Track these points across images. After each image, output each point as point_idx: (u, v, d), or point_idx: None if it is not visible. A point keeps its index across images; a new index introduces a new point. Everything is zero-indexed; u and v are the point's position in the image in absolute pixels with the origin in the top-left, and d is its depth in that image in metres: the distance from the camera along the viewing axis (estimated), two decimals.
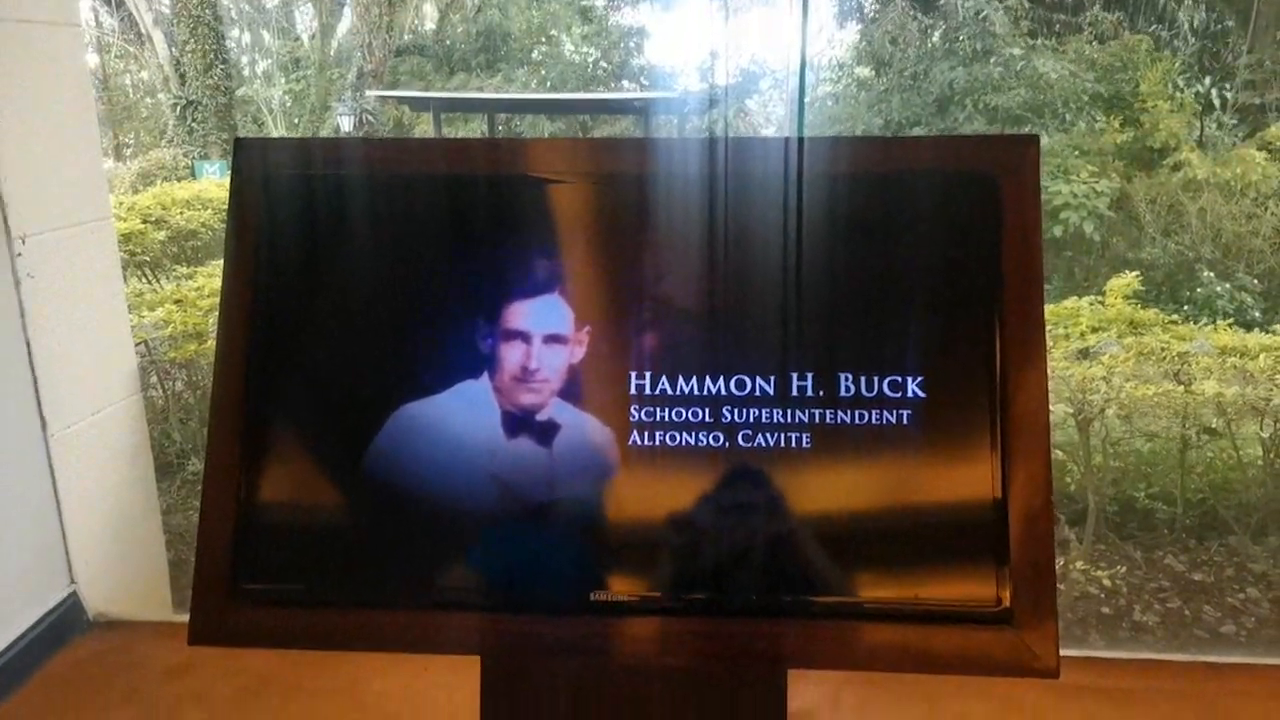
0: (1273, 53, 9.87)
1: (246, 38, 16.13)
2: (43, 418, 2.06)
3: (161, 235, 5.06)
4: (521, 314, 1.12)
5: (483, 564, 1.10)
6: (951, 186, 1.12)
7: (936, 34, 10.77)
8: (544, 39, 15.91)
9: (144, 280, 4.84)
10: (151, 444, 2.35)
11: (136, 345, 2.54)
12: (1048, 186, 8.09)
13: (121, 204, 5.41)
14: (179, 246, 5.29)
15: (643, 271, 1.12)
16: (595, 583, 1.08)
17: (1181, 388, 2.65)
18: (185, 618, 1.10)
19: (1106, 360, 2.74)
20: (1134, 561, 2.76)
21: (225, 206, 1.19)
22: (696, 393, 1.10)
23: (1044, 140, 8.50)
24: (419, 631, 1.08)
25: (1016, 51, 9.88)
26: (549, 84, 15.11)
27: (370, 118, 13.61)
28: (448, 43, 15.94)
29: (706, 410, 1.10)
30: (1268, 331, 3.07)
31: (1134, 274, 3.72)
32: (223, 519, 1.11)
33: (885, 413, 1.09)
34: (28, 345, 2.01)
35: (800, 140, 1.15)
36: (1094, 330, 3.04)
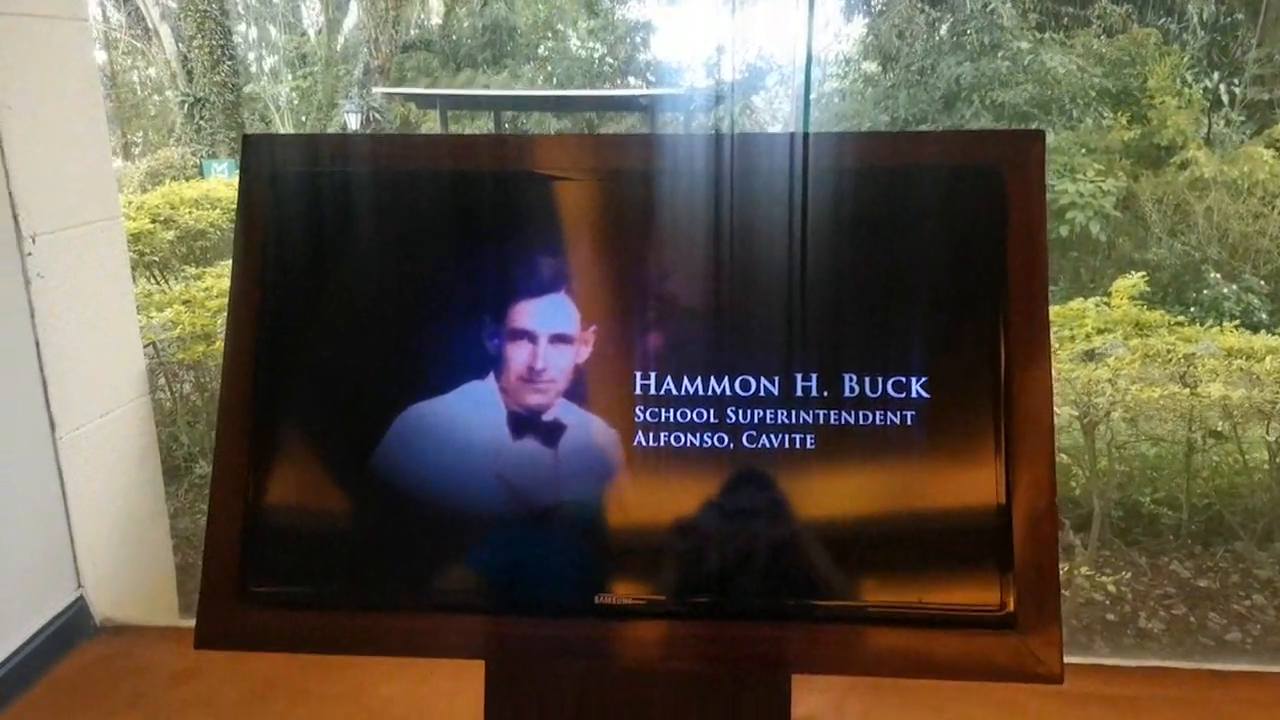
0: None
1: (253, 33, 16.13)
2: (51, 419, 2.05)
3: (170, 235, 5.07)
4: (528, 313, 1.12)
5: (488, 566, 1.10)
6: (957, 182, 1.12)
7: (944, 27, 10.72)
8: (550, 34, 15.88)
9: (152, 281, 4.84)
10: (159, 447, 2.35)
11: (145, 347, 2.54)
12: (1054, 185, 8.06)
13: (130, 203, 5.42)
14: (188, 246, 5.30)
15: (648, 270, 1.12)
16: (599, 586, 1.09)
17: (1187, 390, 2.64)
18: (191, 623, 1.11)
19: (1112, 362, 2.73)
20: (1139, 567, 2.75)
21: (233, 206, 1.20)
22: (701, 393, 1.10)
23: (1050, 138, 8.50)
24: (425, 635, 1.09)
25: (1024, 45, 9.84)
26: (555, 80, 15.10)
27: (377, 115, 13.61)
28: (454, 38, 15.93)
29: (711, 411, 1.10)
30: (1275, 333, 3.06)
31: (1140, 275, 3.71)
32: (231, 521, 1.11)
33: (889, 413, 1.09)
34: (37, 345, 2.01)
35: (805, 136, 1.15)
36: (1100, 332, 3.03)
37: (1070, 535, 2.77)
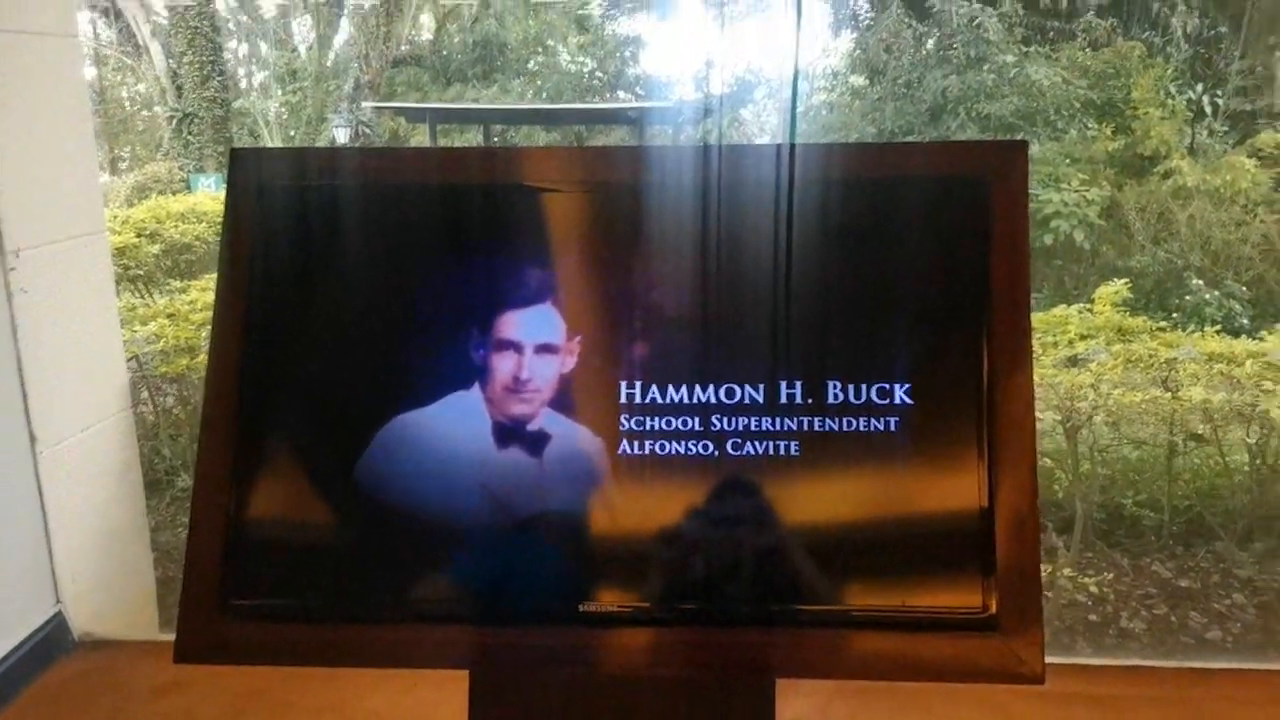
0: (1264, 59, 9.92)
1: (244, 49, 16.14)
2: (32, 433, 2.04)
3: (155, 249, 5.06)
4: (513, 324, 1.12)
5: (472, 576, 1.11)
6: (941, 192, 1.13)
7: (930, 41, 10.81)
8: (540, 49, 15.94)
9: (137, 295, 4.83)
10: (141, 460, 2.34)
11: (128, 360, 2.53)
12: (1039, 195, 8.12)
13: (116, 217, 5.40)
14: (173, 260, 5.29)
15: (634, 280, 1.13)
16: (584, 594, 1.09)
17: (1169, 394, 2.66)
18: (172, 637, 1.10)
19: (1095, 367, 2.75)
20: (1121, 569, 2.77)
21: (220, 220, 1.20)
22: (686, 401, 1.11)
23: (1035, 148, 8.57)
24: (409, 646, 1.09)
25: (1010, 59, 9.92)
26: (545, 94, 15.14)
27: (366, 129, 13.62)
28: (444, 53, 15.96)
29: (696, 419, 1.10)
30: (1255, 338, 3.09)
31: (1123, 282, 3.75)
32: (212, 532, 1.11)
33: (873, 420, 1.10)
34: (19, 360, 2.00)
35: (792, 147, 1.16)
36: (1083, 338, 3.05)
37: (1053, 537, 2.79)
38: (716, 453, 1.10)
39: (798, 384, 1.10)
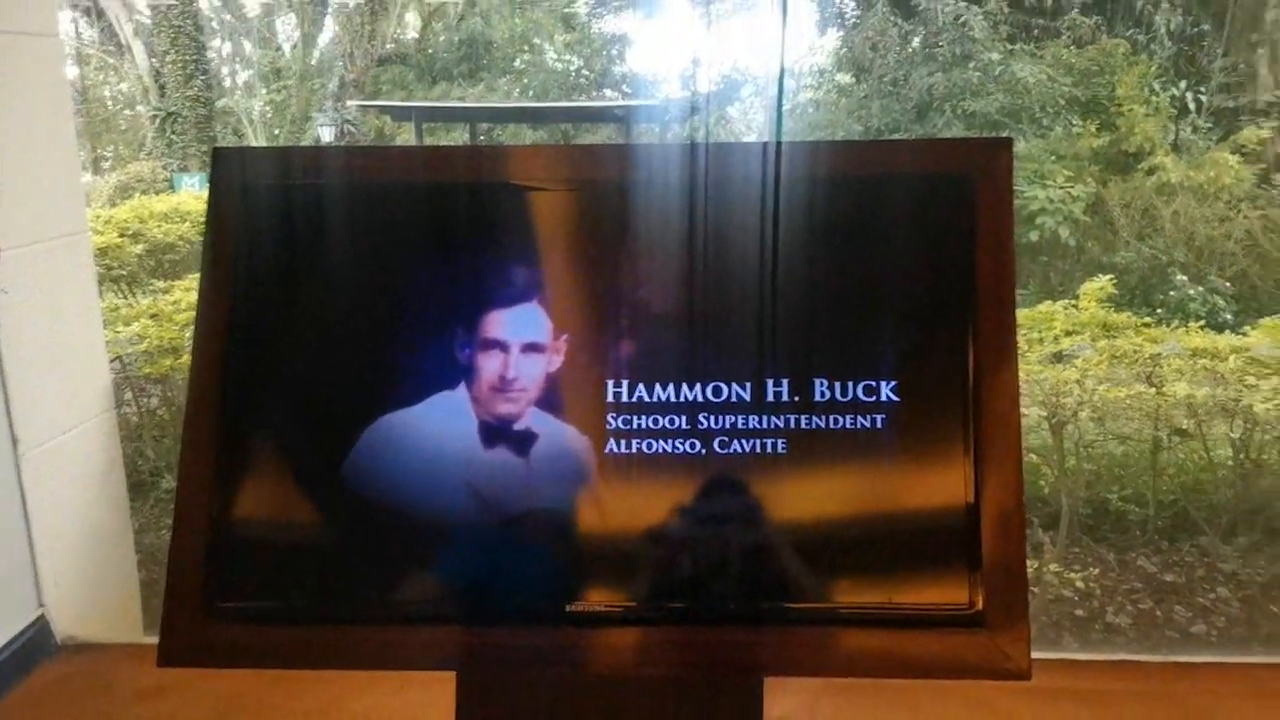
0: (1247, 56, 9.99)
1: (227, 48, 16.05)
2: (14, 435, 2.03)
3: (138, 249, 5.03)
4: (499, 323, 1.12)
5: (459, 577, 1.10)
6: (927, 189, 1.14)
7: (916, 39, 10.84)
8: (527, 47, 15.90)
9: (120, 295, 4.79)
10: (125, 462, 2.32)
11: (111, 361, 2.51)
12: (1024, 191, 8.15)
13: (98, 217, 5.37)
14: (156, 260, 5.25)
15: (621, 279, 1.13)
16: (572, 593, 1.09)
17: (1153, 390, 2.68)
18: (156, 640, 1.09)
19: (1080, 363, 2.77)
20: (1107, 563, 2.79)
21: (203, 220, 1.19)
22: (674, 400, 1.10)
23: (1021, 145, 8.60)
24: (395, 647, 1.08)
25: (995, 56, 9.96)
26: (531, 92, 15.10)
27: (351, 128, 13.56)
28: (430, 52, 15.90)
29: (683, 417, 1.10)
30: (1239, 333, 3.11)
31: (1108, 278, 3.76)
32: (195, 534, 1.10)
33: (860, 417, 1.10)
34: (0, 362, 1.99)
35: (778, 145, 1.16)
36: (1068, 334, 3.06)
37: (1039, 533, 2.80)
38: (704, 451, 1.10)
39: (784, 382, 1.10)
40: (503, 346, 1.11)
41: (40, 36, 2.07)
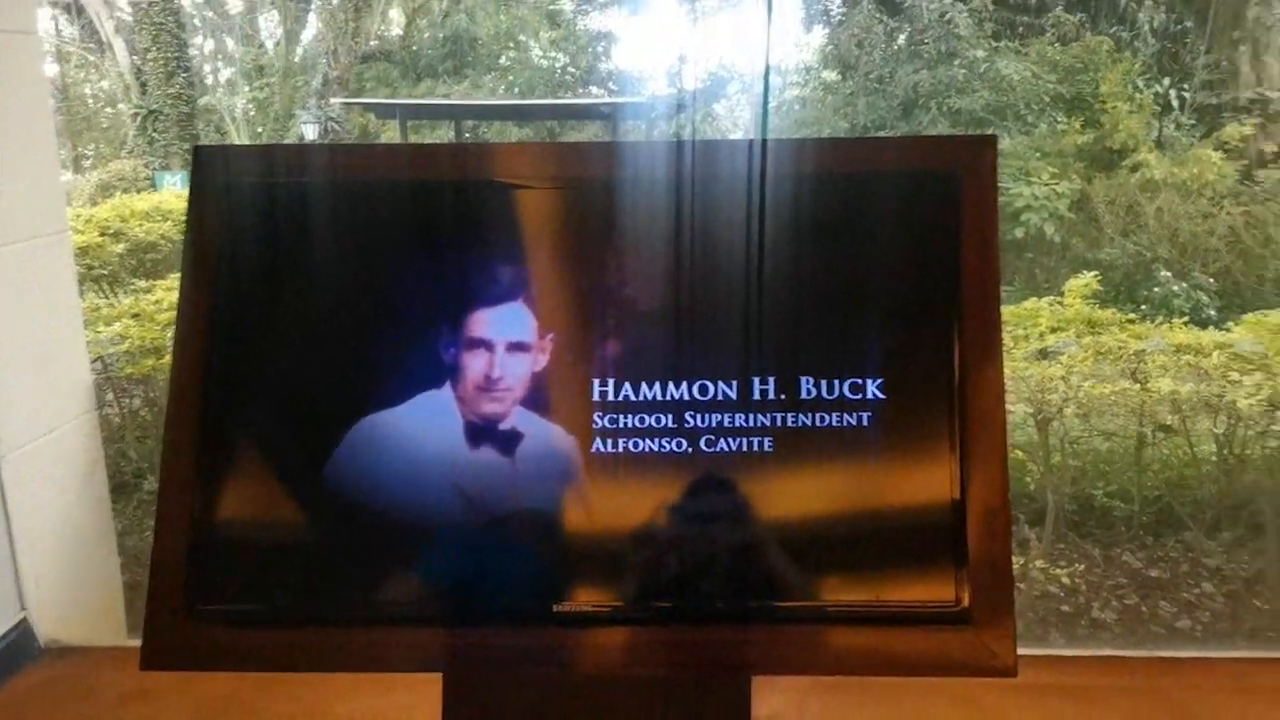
0: (1229, 53, 10.06)
1: (210, 45, 15.96)
2: None
3: (120, 248, 4.99)
4: (484, 322, 1.11)
5: (444, 577, 1.10)
6: (912, 186, 1.14)
7: (902, 37, 10.88)
8: (512, 44, 15.87)
9: (101, 295, 4.76)
10: (107, 463, 2.30)
11: (92, 361, 2.49)
12: (1009, 189, 8.20)
13: (79, 216, 5.33)
14: (137, 259, 5.21)
15: (606, 277, 1.13)
16: (558, 593, 1.08)
17: (1138, 386, 2.69)
18: (140, 642, 1.08)
19: (1065, 360, 2.78)
20: (1092, 559, 2.80)
21: (185, 218, 1.18)
22: (660, 398, 1.10)
23: (1006, 143, 8.63)
24: (380, 649, 1.08)
25: (980, 53, 10.01)
26: (517, 90, 15.08)
27: (335, 125, 13.50)
28: (414, 49, 15.85)
29: (669, 416, 1.10)
30: (1222, 329, 3.13)
31: (1093, 274, 3.78)
32: (177, 536, 1.09)
33: (846, 415, 1.10)
34: None
35: (764, 142, 1.16)
36: (1053, 330, 3.08)
37: (1025, 529, 2.81)
38: (690, 450, 1.09)
39: (770, 380, 1.10)
40: (488, 346, 1.11)
41: (18, 34, 2.05)
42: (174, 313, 1.15)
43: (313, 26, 15.21)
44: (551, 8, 15.92)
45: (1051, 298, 3.47)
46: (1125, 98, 9.11)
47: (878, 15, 10.91)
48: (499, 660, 1.08)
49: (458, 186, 1.16)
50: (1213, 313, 7.09)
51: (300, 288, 1.15)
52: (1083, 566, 2.76)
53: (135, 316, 3.10)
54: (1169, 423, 2.78)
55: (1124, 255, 7.92)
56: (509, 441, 1.10)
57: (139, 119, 12.81)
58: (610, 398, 1.10)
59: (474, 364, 1.11)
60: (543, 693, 1.15)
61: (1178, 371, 2.65)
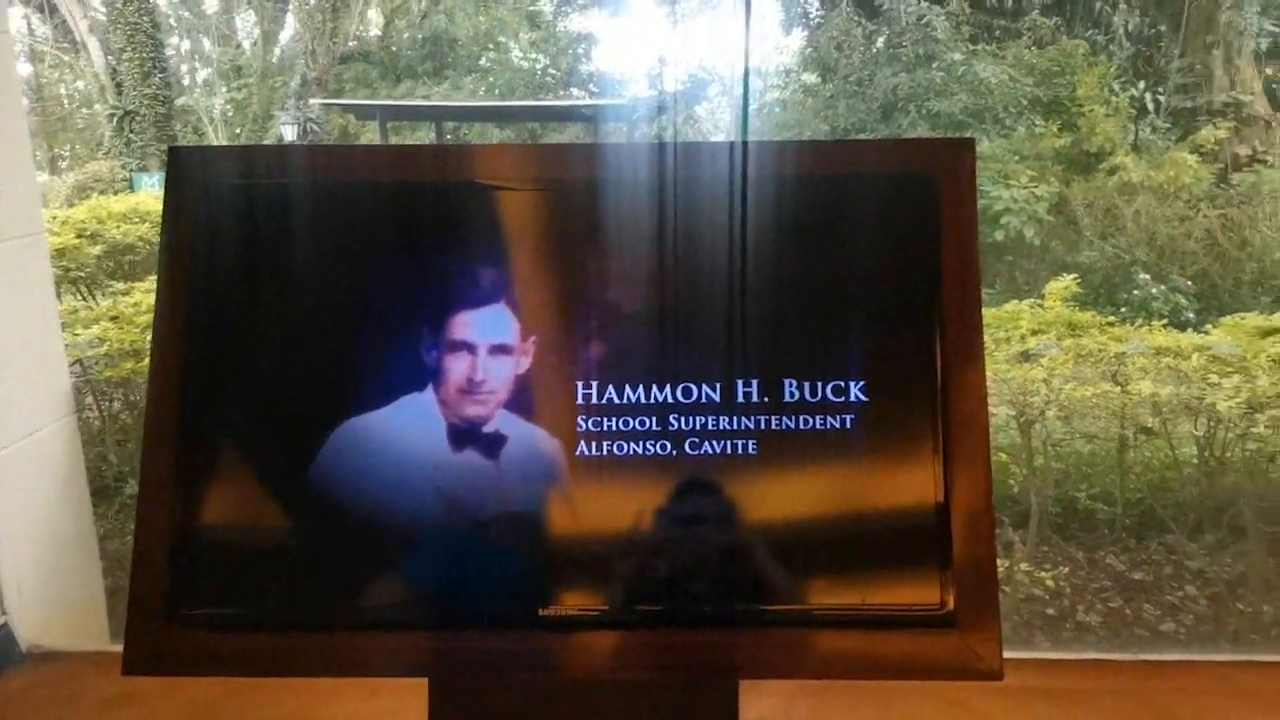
0: (1203, 57, 10.17)
1: (186, 45, 15.83)
2: None
3: (97, 250, 4.93)
4: (467, 325, 1.11)
5: (429, 582, 1.09)
6: (893, 189, 1.14)
7: (880, 40, 10.93)
8: (492, 45, 15.83)
9: (78, 297, 4.70)
10: (87, 467, 2.28)
11: (71, 364, 2.47)
12: (989, 191, 8.24)
13: (55, 218, 5.26)
14: (115, 261, 5.15)
15: (589, 279, 1.13)
16: (544, 597, 1.08)
17: (1119, 388, 2.71)
18: (122, 647, 1.07)
19: (1046, 362, 2.79)
20: (1076, 562, 2.82)
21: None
22: (644, 401, 1.10)
23: (985, 145, 8.68)
24: (365, 654, 1.07)
25: (958, 57, 10.06)
26: (497, 91, 15.04)
27: (315, 126, 13.42)
28: (393, 49, 15.78)
29: (654, 419, 1.10)
30: (1201, 332, 3.16)
31: (1072, 277, 3.81)
32: (159, 540, 1.08)
33: (829, 418, 1.10)
34: None
35: (745, 144, 1.16)
36: (1034, 333, 3.10)
37: (1010, 532, 2.82)
38: (675, 453, 1.09)
39: (754, 382, 1.10)
40: (470, 348, 1.10)
41: None
42: (152, 315, 1.14)
43: (290, 27, 15.11)
44: (531, 9, 15.91)
45: (1032, 300, 3.49)
46: (1101, 101, 9.19)
47: (856, 18, 10.95)
48: (485, 664, 1.07)
49: (439, 188, 1.16)
50: (1191, 315, 7.15)
51: (279, 290, 1.14)
52: (1067, 569, 2.77)
53: (114, 319, 3.07)
54: (1150, 425, 2.80)
55: (1103, 258, 7.98)
56: (493, 444, 1.09)
57: (115, 120, 12.69)
58: (594, 400, 1.10)
59: (456, 366, 1.10)
60: (529, 697, 1.14)
61: (1158, 374, 2.67)
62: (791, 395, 1.10)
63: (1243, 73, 10.07)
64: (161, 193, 1.17)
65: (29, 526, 2.12)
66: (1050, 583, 2.70)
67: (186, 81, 15.35)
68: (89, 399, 2.98)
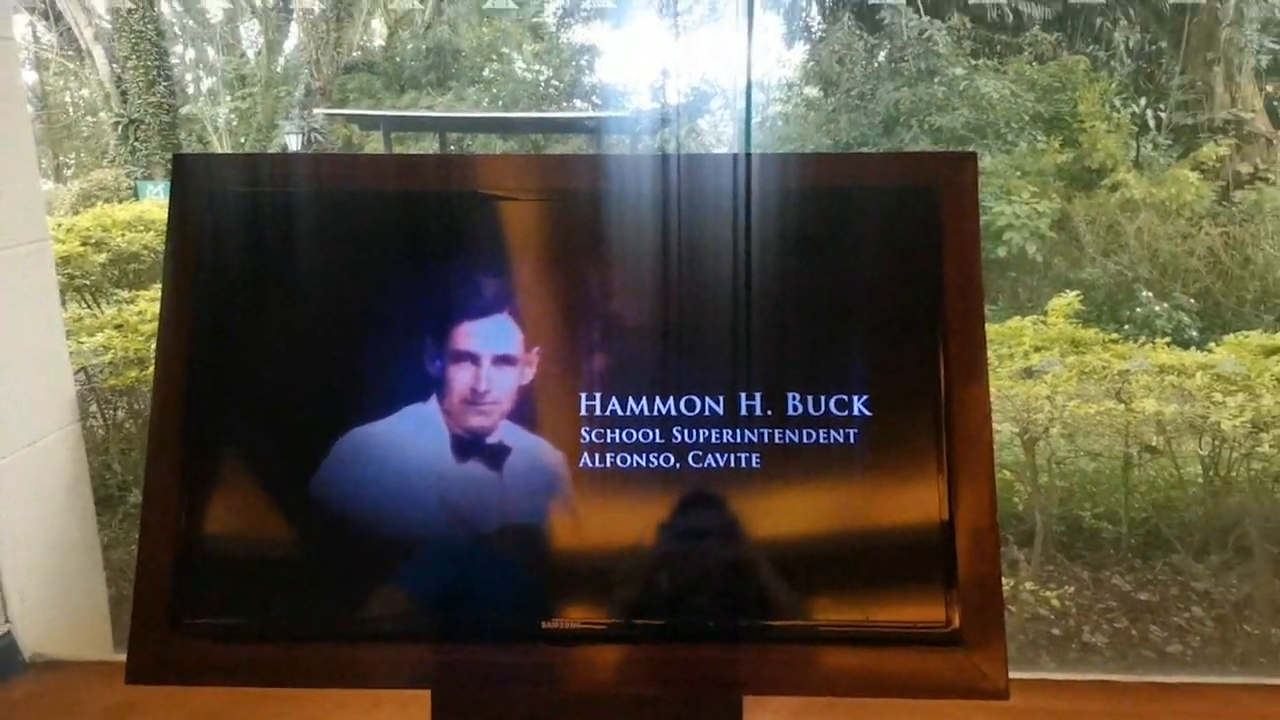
0: (1203, 73, 10.19)
1: (191, 54, 15.88)
2: None
3: (102, 258, 4.93)
4: (470, 335, 1.11)
5: (432, 593, 1.09)
6: (894, 202, 1.14)
7: (882, 54, 10.96)
8: (495, 56, 15.88)
9: (83, 305, 4.70)
10: (91, 475, 2.28)
11: (75, 372, 2.47)
12: (991, 207, 8.24)
13: (60, 225, 5.27)
14: (120, 269, 5.16)
15: (593, 290, 1.13)
16: (547, 610, 1.07)
17: (1123, 406, 2.70)
18: (125, 656, 1.07)
19: (1050, 379, 2.78)
20: (1082, 582, 2.80)
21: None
22: (647, 413, 1.10)
23: (987, 161, 8.69)
24: (368, 665, 1.06)
25: (959, 71, 10.09)
26: (500, 102, 15.07)
27: (318, 136, 13.46)
28: (397, 60, 15.83)
29: (657, 431, 1.10)
30: (1204, 350, 3.15)
31: (1075, 294, 3.80)
32: (162, 550, 1.08)
33: (833, 432, 1.10)
34: None
35: (748, 156, 1.16)
36: (1037, 349, 3.08)
37: (1014, 550, 2.81)
38: (678, 465, 1.09)
39: (757, 396, 1.10)
40: (474, 359, 1.10)
41: None
42: (156, 323, 1.14)
43: (294, 36, 15.17)
44: (534, 20, 15.96)
45: (1035, 316, 3.48)
46: (1103, 117, 9.20)
47: (857, 32, 10.99)
48: (487, 677, 1.07)
49: (443, 198, 1.16)
50: (1194, 333, 7.13)
51: (284, 298, 1.14)
52: (1072, 589, 2.75)
53: (118, 327, 3.07)
54: (1154, 443, 2.78)
55: (1105, 275, 7.97)
56: (496, 455, 1.09)
57: (120, 128, 12.72)
58: (598, 412, 1.10)
59: (460, 377, 1.10)
60: (532, 710, 1.14)
61: (1162, 392, 2.66)
62: (795, 409, 1.10)
63: (1243, 90, 10.09)
64: (166, 201, 1.17)
65: (32, 534, 2.12)
66: (1056, 602, 2.68)
67: (191, 90, 15.39)
68: (93, 407, 2.98)
